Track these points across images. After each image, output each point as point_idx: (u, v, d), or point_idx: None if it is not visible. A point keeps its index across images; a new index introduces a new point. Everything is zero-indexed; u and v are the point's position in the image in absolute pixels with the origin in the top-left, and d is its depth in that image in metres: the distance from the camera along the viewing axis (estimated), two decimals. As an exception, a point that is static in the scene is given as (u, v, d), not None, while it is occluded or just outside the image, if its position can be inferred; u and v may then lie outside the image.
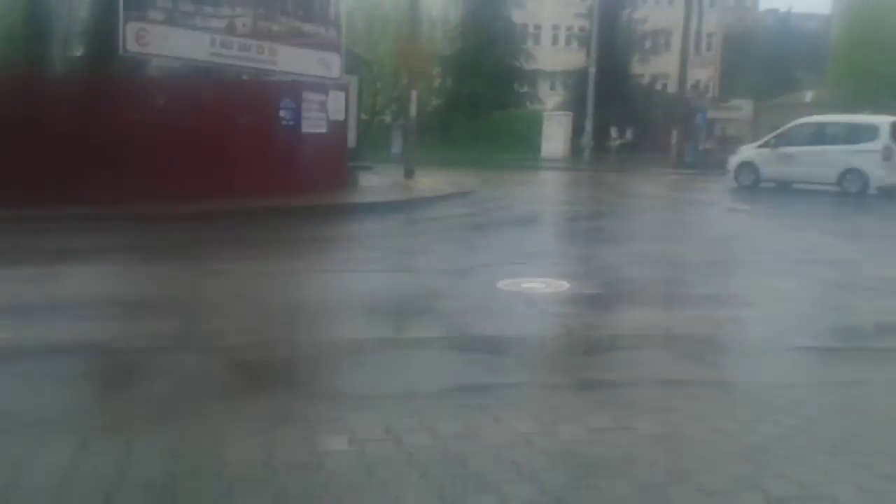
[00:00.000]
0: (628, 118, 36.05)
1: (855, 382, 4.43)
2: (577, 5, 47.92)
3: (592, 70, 32.36)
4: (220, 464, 3.12)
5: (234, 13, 14.05)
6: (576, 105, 35.65)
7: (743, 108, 40.59)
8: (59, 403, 3.91)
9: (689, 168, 28.03)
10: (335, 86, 15.95)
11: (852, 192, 17.71)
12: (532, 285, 6.98)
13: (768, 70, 68.60)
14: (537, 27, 55.63)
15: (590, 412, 3.76)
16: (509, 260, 8.51)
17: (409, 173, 19.75)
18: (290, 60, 15.16)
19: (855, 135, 18.73)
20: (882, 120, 18.63)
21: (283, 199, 12.88)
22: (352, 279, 7.70)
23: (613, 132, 33.18)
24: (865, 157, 17.80)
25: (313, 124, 15.11)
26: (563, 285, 7.02)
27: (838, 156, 18.13)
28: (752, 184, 19.30)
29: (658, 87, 45.19)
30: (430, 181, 18.89)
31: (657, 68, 43.48)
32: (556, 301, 6.52)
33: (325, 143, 15.27)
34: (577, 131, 33.87)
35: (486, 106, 38.31)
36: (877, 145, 17.82)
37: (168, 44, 12.97)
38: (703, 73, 48.78)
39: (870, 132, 18.34)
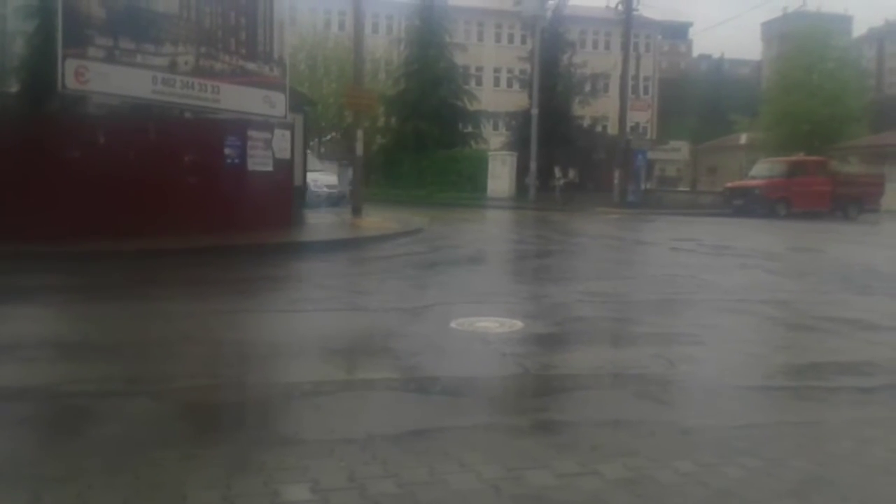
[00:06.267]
0: (571, 158, 36.62)
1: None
2: (517, 49, 48.87)
3: (535, 111, 32.93)
4: (180, 516, 3.00)
5: (176, 51, 13.94)
6: (520, 145, 36.18)
7: (680, 149, 41.75)
8: (6, 452, 3.72)
9: (632, 207, 28.66)
10: (280, 124, 15.89)
11: None
12: (486, 324, 6.95)
13: (703, 113, 70.86)
14: (479, 69, 56.64)
15: (554, 456, 3.71)
16: (461, 299, 8.48)
17: (356, 211, 19.72)
18: (235, 99, 15.08)
19: None
20: None
21: (230, 238, 12.71)
22: (302, 319, 7.57)
23: (557, 172, 33.68)
24: None
25: (259, 162, 15.01)
26: (517, 324, 7.00)
27: None
28: None
29: (599, 128, 46.17)
30: (377, 219, 18.85)
31: (597, 111, 44.41)
32: (511, 340, 6.47)
33: (272, 182, 15.17)
34: (521, 171, 34.32)
35: (431, 145, 38.60)
36: None
37: (109, 81, 12.78)
38: (642, 116, 49.91)
39: None
